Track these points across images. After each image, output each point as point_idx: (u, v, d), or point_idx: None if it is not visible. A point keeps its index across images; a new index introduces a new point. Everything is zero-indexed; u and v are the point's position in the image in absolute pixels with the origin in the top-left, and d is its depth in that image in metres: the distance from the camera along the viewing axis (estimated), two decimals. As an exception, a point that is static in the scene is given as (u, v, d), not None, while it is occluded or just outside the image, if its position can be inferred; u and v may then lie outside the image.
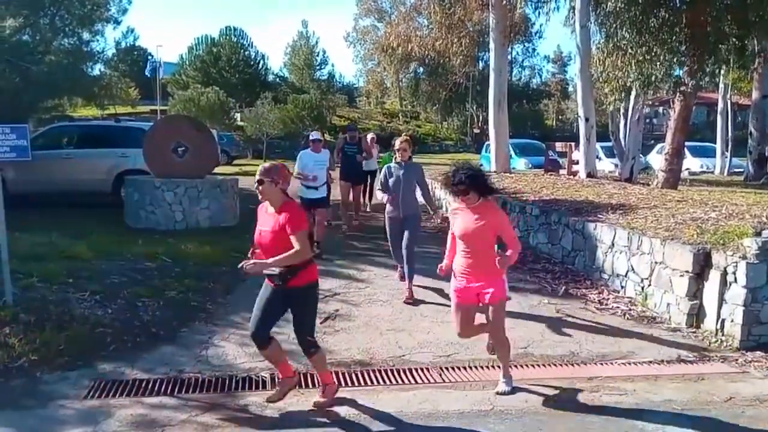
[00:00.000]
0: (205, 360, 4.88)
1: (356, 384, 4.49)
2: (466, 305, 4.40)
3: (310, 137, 9.23)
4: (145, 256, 7.71)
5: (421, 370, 4.74)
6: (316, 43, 51.97)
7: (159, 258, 7.68)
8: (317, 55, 51.90)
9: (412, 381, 4.54)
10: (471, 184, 4.18)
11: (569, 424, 3.90)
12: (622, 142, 16.47)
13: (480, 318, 4.61)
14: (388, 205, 6.89)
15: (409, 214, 6.76)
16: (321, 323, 5.81)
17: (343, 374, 4.64)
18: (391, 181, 6.82)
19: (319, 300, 6.54)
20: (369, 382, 4.51)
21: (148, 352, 5.00)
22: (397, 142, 6.97)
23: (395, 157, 7.00)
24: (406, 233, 6.70)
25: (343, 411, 4.03)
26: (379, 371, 4.69)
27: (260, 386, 4.42)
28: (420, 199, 7.06)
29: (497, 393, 4.32)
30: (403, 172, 6.80)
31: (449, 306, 6.38)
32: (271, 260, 3.87)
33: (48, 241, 8.00)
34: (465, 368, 4.79)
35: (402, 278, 6.96)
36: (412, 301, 6.52)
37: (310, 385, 4.44)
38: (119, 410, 3.97)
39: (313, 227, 8.34)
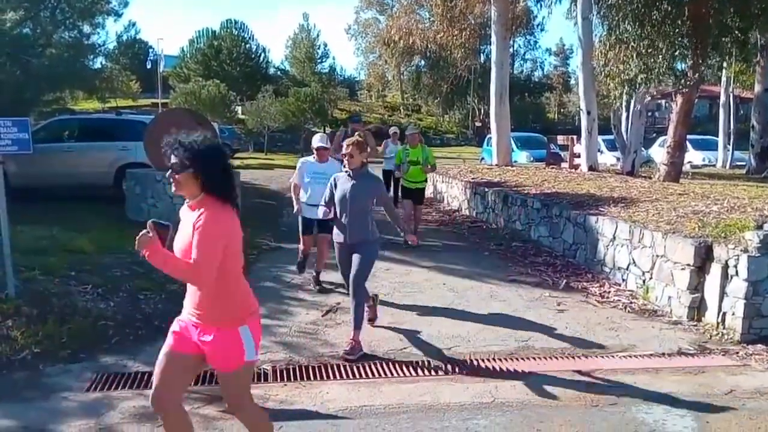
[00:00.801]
0: (207, 353, 4.89)
1: (357, 376, 4.50)
2: (178, 353, 2.82)
3: (313, 143, 6.71)
4: (147, 249, 7.71)
5: (423, 362, 4.75)
6: (317, 36, 51.94)
7: (161, 251, 7.68)
8: (318, 48, 51.83)
9: (413, 374, 4.55)
10: (189, 162, 2.69)
11: (570, 416, 3.91)
12: (624, 136, 16.44)
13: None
14: (334, 228, 5.30)
15: (358, 240, 5.09)
16: (322, 316, 5.83)
17: (344, 366, 4.65)
18: (336, 195, 5.14)
19: (321, 293, 6.61)
20: (370, 375, 4.52)
21: (150, 344, 5.00)
22: (344, 145, 5.17)
23: (344, 165, 5.16)
24: (355, 259, 5.05)
25: (345, 403, 4.04)
26: (381, 364, 4.69)
27: (261, 379, 4.42)
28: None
29: None
30: (351, 186, 5.06)
31: (451, 300, 6.42)
32: None
33: (49, 234, 8.01)
34: (466, 361, 4.79)
35: (371, 319, 5.57)
36: (356, 351, 4.87)
37: (311, 378, 4.45)
38: (121, 402, 3.98)
39: (309, 252, 6.71)
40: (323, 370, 4.57)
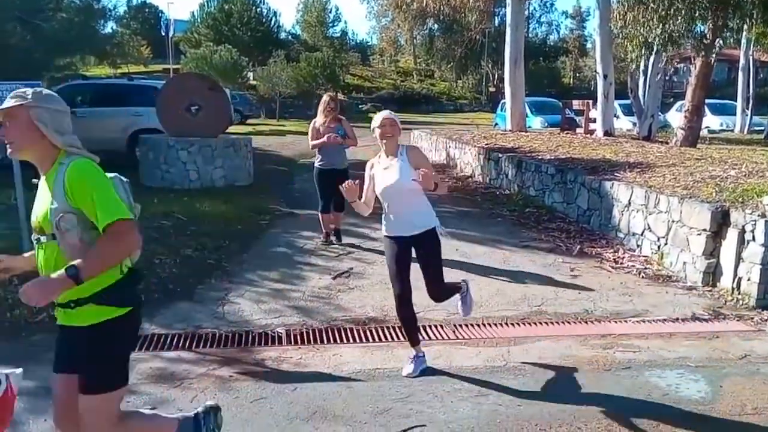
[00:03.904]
0: (222, 316, 4.95)
1: (371, 340, 4.54)
2: None
3: None
4: (161, 214, 7.76)
5: (435, 327, 4.78)
6: (329, -1, 51.16)
7: (175, 216, 7.73)
8: (330, 12, 51.19)
9: (426, 338, 4.56)
10: None
11: (582, 380, 3.92)
12: (641, 100, 16.16)
13: None
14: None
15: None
16: (333, 279, 5.87)
17: (358, 331, 4.68)
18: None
19: (334, 258, 6.64)
20: (383, 339, 4.55)
21: (165, 308, 5.07)
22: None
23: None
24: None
25: (358, 366, 4.08)
26: (393, 328, 4.71)
27: (276, 342, 4.47)
28: None
29: None
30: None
31: (464, 265, 6.42)
32: None
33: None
34: (478, 326, 4.81)
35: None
36: None
37: (325, 341, 4.49)
38: (138, 364, 4.04)
39: None
40: (337, 334, 4.61)
